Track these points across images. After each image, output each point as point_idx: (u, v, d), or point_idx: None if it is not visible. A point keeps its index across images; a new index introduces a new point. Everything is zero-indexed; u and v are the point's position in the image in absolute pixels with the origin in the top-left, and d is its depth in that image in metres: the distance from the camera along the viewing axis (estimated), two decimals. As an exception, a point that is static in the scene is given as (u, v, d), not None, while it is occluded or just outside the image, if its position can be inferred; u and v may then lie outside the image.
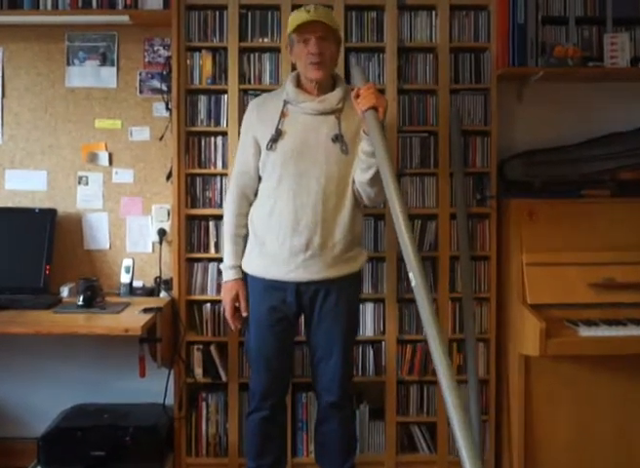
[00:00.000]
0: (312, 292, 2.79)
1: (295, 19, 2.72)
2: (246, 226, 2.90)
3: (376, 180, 2.62)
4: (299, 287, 2.78)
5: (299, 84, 2.83)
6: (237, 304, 2.90)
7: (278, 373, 2.91)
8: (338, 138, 2.73)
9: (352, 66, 2.72)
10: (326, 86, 2.80)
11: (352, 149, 2.75)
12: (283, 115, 2.79)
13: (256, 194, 2.88)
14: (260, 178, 2.86)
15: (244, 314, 2.88)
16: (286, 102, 2.80)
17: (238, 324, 2.94)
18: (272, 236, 2.77)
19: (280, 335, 2.85)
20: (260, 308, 2.85)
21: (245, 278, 2.91)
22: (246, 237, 2.91)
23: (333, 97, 2.77)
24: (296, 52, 2.76)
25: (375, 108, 2.54)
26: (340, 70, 3.32)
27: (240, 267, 2.90)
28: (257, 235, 2.84)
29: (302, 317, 2.95)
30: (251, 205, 2.89)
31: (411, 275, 2.15)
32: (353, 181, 2.77)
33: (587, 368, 3.29)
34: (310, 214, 2.72)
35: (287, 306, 2.81)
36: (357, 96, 2.60)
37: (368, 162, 2.65)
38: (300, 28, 2.69)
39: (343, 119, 2.76)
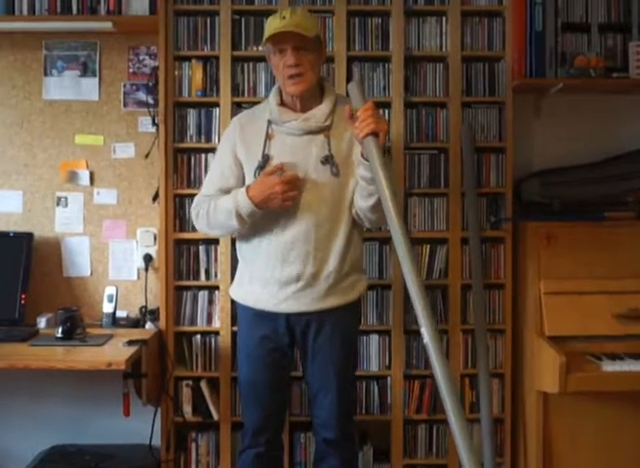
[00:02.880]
0: (304, 324, 2.81)
1: (269, 26, 2.71)
2: None
3: (378, 207, 2.60)
4: (289, 318, 2.80)
5: (282, 100, 2.82)
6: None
7: (272, 408, 2.93)
8: (328, 160, 2.74)
9: (349, 85, 2.70)
10: (311, 98, 2.78)
11: (345, 170, 2.75)
12: (269, 137, 2.79)
13: None
14: None
15: (301, 175, 2.71)
16: (270, 122, 2.81)
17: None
18: (262, 266, 2.79)
19: (273, 367, 2.87)
20: (250, 338, 2.87)
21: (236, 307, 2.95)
22: None
23: (319, 113, 2.76)
24: (273, 63, 2.76)
25: (374, 134, 2.51)
26: (341, 81, 3.37)
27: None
28: (246, 264, 2.87)
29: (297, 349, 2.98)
30: None
31: (423, 330, 2.17)
32: (352, 205, 2.78)
33: (611, 405, 3.32)
34: (302, 242, 2.74)
35: (279, 336, 2.83)
36: (350, 116, 2.57)
37: (369, 189, 2.64)
38: (274, 38, 2.68)
39: (333, 137, 2.75)
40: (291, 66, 2.67)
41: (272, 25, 2.68)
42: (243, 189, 2.71)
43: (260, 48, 3.43)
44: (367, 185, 2.64)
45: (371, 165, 2.51)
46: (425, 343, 2.18)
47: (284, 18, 2.67)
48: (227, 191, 2.81)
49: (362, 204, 2.71)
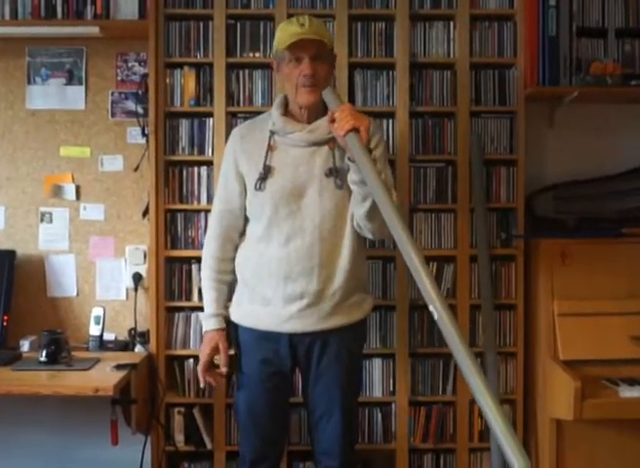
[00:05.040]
0: (308, 345, 2.82)
1: (286, 32, 2.74)
2: (231, 272, 2.94)
3: (375, 213, 2.65)
4: (292, 338, 2.82)
5: (286, 111, 2.86)
6: (216, 359, 2.93)
7: (271, 437, 2.93)
8: (332, 172, 2.77)
9: (324, 92, 2.73)
10: (317, 110, 2.81)
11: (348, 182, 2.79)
12: (270, 148, 2.82)
13: (241, 235, 2.93)
14: (246, 218, 2.90)
15: (223, 369, 2.91)
16: (272, 133, 2.84)
17: (211, 379, 2.94)
18: (263, 284, 2.81)
19: (273, 393, 2.88)
20: (250, 361, 2.88)
21: (235, 329, 2.95)
22: (230, 284, 2.96)
23: (325, 124, 2.78)
24: (285, 71, 2.78)
25: (355, 130, 2.57)
26: (343, 90, 3.38)
27: (222, 316, 2.94)
28: (245, 282, 2.88)
29: (298, 373, 2.99)
30: (235, 248, 2.93)
31: (431, 307, 2.15)
32: (352, 218, 2.80)
33: (630, 433, 3.33)
34: (306, 258, 2.76)
35: (280, 359, 2.84)
36: (332, 120, 2.64)
37: (361, 192, 2.68)
38: (295, 45, 2.71)
39: (338, 149, 2.78)
40: (307, 76, 2.70)
41: (290, 31, 2.71)
42: (209, 327, 2.94)
43: (256, 54, 3.49)
44: (358, 189, 2.68)
45: (357, 161, 2.55)
46: (437, 320, 2.15)
47: (302, 25, 2.70)
48: (233, 212, 2.88)
49: (358, 211, 2.74)
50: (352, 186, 2.71)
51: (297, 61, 2.72)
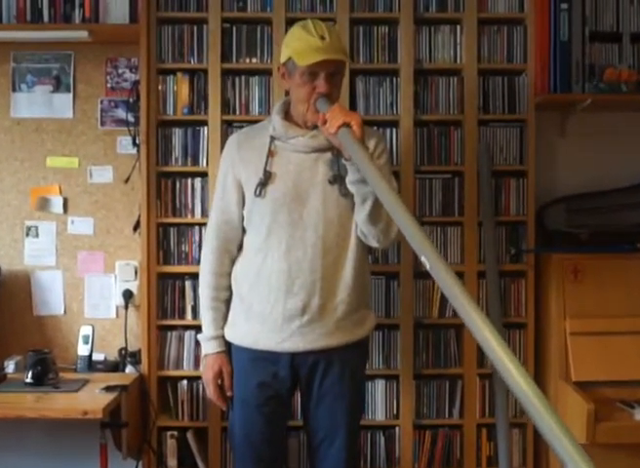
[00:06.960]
0: (311, 365, 2.79)
1: (305, 43, 2.67)
2: (228, 288, 2.90)
3: (376, 215, 2.65)
4: (294, 358, 2.78)
5: (287, 115, 2.83)
6: (220, 382, 2.90)
7: (268, 464, 2.89)
8: (336, 180, 2.74)
9: (318, 100, 2.69)
10: None
11: None
12: (271, 154, 2.79)
13: (239, 248, 2.89)
14: (243, 229, 2.87)
15: (228, 393, 2.89)
16: (273, 138, 2.80)
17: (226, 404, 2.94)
18: (262, 298, 2.77)
19: (271, 417, 2.84)
20: (246, 385, 2.84)
21: (229, 349, 2.92)
22: (228, 301, 2.92)
23: None
24: (297, 82, 2.73)
25: (347, 125, 2.54)
26: (344, 97, 3.34)
27: (223, 338, 2.91)
28: (242, 298, 2.84)
29: (297, 394, 2.96)
30: (233, 261, 2.90)
31: (423, 258, 2.06)
32: (357, 228, 2.78)
33: (646, 459, 3.30)
34: (307, 270, 2.72)
35: (279, 382, 2.81)
36: (324, 122, 2.61)
37: (361, 193, 2.66)
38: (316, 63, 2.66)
39: (343, 156, 2.74)
40: (320, 94, 2.67)
41: (309, 44, 2.65)
42: (210, 350, 2.90)
43: (253, 60, 3.47)
44: (357, 189, 2.66)
45: (352, 157, 2.53)
46: (429, 269, 2.03)
47: (323, 38, 2.65)
48: (231, 223, 2.85)
49: (360, 215, 2.71)
50: (351, 188, 2.68)
51: (311, 75, 2.67)
